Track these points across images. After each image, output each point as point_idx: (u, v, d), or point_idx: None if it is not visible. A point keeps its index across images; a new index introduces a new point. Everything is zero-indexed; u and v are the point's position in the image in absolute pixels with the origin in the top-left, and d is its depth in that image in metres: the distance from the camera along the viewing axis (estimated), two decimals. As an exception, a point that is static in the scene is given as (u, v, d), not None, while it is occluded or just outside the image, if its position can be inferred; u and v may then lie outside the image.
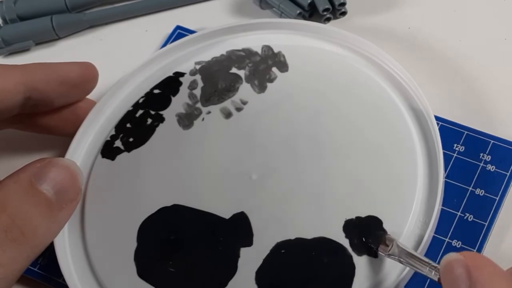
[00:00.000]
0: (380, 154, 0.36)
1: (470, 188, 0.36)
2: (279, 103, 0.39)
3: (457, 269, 0.26)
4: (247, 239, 0.35)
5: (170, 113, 0.40)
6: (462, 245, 0.34)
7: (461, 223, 0.35)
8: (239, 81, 0.40)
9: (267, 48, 0.41)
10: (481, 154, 0.37)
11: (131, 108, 0.40)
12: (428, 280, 0.34)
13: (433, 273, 0.30)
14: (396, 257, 0.32)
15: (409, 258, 0.31)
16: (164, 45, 0.45)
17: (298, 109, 0.39)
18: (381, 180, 0.35)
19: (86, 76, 0.38)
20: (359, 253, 0.33)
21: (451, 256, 0.27)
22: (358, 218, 0.34)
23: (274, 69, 0.40)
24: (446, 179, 0.36)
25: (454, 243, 0.35)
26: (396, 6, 0.45)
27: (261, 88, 0.40)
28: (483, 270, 0.26)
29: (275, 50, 0.41)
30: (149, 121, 0.40)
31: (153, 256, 0.35)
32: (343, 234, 0.34)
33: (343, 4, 0.44)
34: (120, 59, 0.45)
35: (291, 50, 0.41)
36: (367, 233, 0.34)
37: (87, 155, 0.39)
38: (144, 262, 0.35)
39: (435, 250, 0.34)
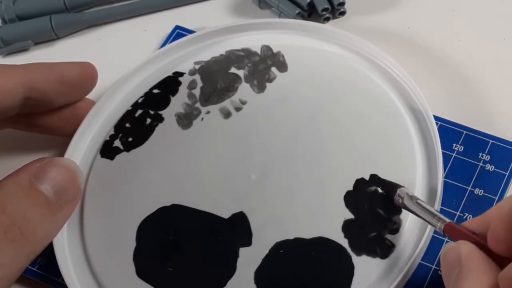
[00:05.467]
0: (379, 154, 0.36)
1: (469, 188, 0.36)
2: (278, 103, 0.39)
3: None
4: (246, 239, 0.35)
5: (169, 113, 0.40)
6: (461, 245, 0.34)
7: (460, 223, 0.35)
8: (238, 81, 0.40)
9: (266, 48, 0.41)
10: (480, 154, 0.37)
11: (130, 108, 0.40)
12: (427, 280, 0.34)
13: (438, 224, 0.31)
14: (408, 207, 0.33)
15: (421, 210, 0.32)
16: (163, 45, 0.45)
17: (297, 109, 0.39)
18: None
19: (86, 75, 0.38)
20: (358, 253, 0.33)
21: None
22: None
23: (273, 69, 0.40)
24: (445, 179, 0.36)
25: (453, 243, 0.35)
26: (395, 6, 0.45)
27: (260, 88, 0.40)
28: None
29: (274, 50, 0.41)
30: (148, 121, 0.40)
31: (152, 256, 0.35)
32: (342, 234, 0.34)
33: (342, 3, 0.44)
34: (119, 58, 0.45)
35: (290, 50, 0.41)
36: (383, 183, 0.35)
37: (86, 154, 0.39)
38: (143, 262, 0.35)
39: (434, 249, 0.34)
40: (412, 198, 0.33)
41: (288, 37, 0.42)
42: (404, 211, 0.34)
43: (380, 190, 0.35)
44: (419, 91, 0.37)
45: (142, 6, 0.47)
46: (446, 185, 0.36)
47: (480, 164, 0.37)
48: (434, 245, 0.35)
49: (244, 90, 0.40)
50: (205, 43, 0.42)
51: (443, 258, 0.29)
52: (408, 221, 0.34)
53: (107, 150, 0.39)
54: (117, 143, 0.39)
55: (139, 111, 0.40)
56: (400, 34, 0.43)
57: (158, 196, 0.37)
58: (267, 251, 0.34)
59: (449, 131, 0.38)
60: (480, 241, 0.28)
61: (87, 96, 0.40)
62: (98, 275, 0.35)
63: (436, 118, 0.38)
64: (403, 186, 0.34)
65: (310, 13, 0.44)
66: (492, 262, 0.27)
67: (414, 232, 0.34)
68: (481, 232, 0.29)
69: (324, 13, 0.44)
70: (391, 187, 0.34)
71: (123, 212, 0.36)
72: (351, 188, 0.35)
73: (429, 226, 0.33)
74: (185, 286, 0.34)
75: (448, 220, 0.31)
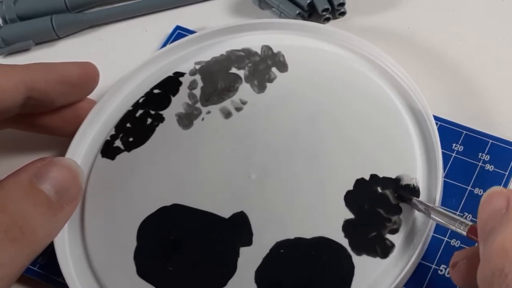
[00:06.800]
0: (379, 154, 0.36)
1: (469, 188, 0.36)
2: (279, 103, 0.39)
3: (498, 199, 0.27)
4: (247, 238, 0.35)
5: (170, 113, 0.40)
6: (461, 244, 0.34)
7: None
8: (239, 81, 0.40)
9: (267, 48, 0.41)
10: (480, 154, 0.37)
11: (131, 108, 0.40)
12: (427, 280, 0.34)
13: (461, 228, 0.31)
14: (426, 212, 0.33)
15: (437, 214, 0.32)
16: (164, 45, 0.45)
17: (297, 109, 0.39)
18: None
19: (87, 75, 0.38)
20: (358, 253, 0.33)
21: (493, 188, 0.27)
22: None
23: (274, 69, 0.41)
24: (445, 179, 0.36)
25: (453, 243, 0.35)
26: (395, 6, 0.45)
27: (261, 88, 0.40)
28: None
29: (275, 50, 0.41)
30: (149, 121, 0.40)
31: (153, 256, 0.35)
32: (342, 234, 0.34)
33: (342, 4, 0.44)
34: (120, 59, 0.45)
35: (291, 50, 0.41)
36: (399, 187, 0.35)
37: (87, 154, 0.39)
38: (144, 262, 0.35)
39: (434, 249, 0.35)
40: (429, 206, 0.33)
41: (289, 37, 0.42)
42: (404, 211, 0.34)
43: (380, 190, 0.35)
44: (419, 91, 0.37)
45: (143, 6, 0.47)
46: (446, 185, 0.36)
47: (480, 164, 0.37)
48: (434, 245, 0.35)
49: (245, 90, 0.40)
50: (206, 43, 0.42)
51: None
52: (408, 221, 0.34)
53: (108, 150, 0.39)
54: (118, 143, 0.39)
55: (140, 111, 0.40)
56: (400, 34, 0.44)
57: (158, 196, 0.37)
58: (267, 251, 0.34)
59: (449, 131, 0.38)
60: None
61: (88, 96, 0.40)
62: (98, 275, 0.35)
63: (436, 118, 0.38)
64: (416, 197, 0.34)
65: (311, 14, 0.44)
66: None
67: (414, 232, 0.34)
68: None
69: (324, 13, 0.44)
70: (405, 194, 0.35)
71: (124, 212, 0.37)
72: (351, 188, 0.35)
73: (429, 226, 0.33)
74: (186, 285, 0.34)
75: (470, 223, 0.30)
